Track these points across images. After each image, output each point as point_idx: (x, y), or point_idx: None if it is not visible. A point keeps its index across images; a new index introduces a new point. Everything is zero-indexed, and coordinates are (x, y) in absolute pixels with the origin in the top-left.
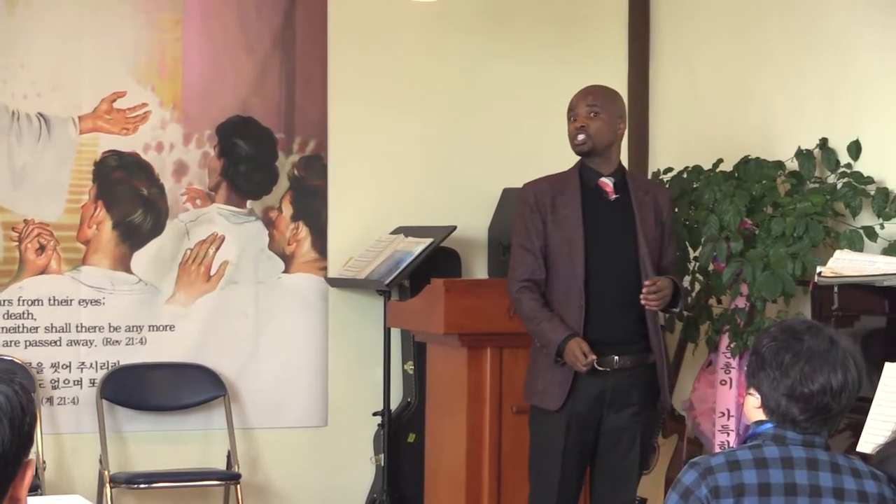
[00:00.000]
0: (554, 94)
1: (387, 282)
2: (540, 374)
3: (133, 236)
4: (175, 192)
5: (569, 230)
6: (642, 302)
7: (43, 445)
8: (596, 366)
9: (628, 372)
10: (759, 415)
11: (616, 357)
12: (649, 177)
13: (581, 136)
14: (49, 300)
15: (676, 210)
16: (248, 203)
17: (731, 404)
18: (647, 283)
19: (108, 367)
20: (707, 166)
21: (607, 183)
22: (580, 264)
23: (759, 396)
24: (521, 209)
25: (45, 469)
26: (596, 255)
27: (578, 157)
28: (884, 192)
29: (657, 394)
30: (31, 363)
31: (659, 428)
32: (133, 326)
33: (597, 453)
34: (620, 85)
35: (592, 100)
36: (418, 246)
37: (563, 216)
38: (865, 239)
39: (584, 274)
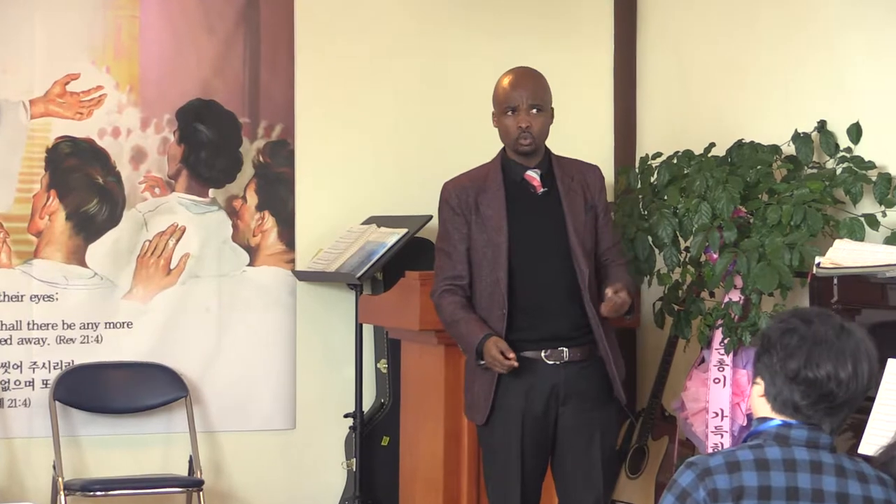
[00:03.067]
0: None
1: (358, 275)
2: (469, 385)
3: (88, 228)
4: (132, 181)
5: (491, 232)
6: (602, 310)
7: None
8: (545, 360)
9: (579, 365)
10: (764, 405)
11: (565, 349)
12: (637, 163)
13: (527, 139)
14: None
15: (665, 198)
16: (211, 192)
17: (724, 404)
18: (608, 291)
19: (61, 367)
20: (698, 151)
21: (534, 177)
22: (503, 269)
23: (763, 383)
24: (441, 212)
25: None
26: (524, 255)
27: (502, 148)
28: (886, 177)
29: (612, 388)
30: None
31: (618, 426)
32: (88, 324)
33: (555, 452)
34: (605, 64)
35: (534, 96)
36: (392, 237)
37: (486, 216)
38: (867, 227)
39: (506, 279)
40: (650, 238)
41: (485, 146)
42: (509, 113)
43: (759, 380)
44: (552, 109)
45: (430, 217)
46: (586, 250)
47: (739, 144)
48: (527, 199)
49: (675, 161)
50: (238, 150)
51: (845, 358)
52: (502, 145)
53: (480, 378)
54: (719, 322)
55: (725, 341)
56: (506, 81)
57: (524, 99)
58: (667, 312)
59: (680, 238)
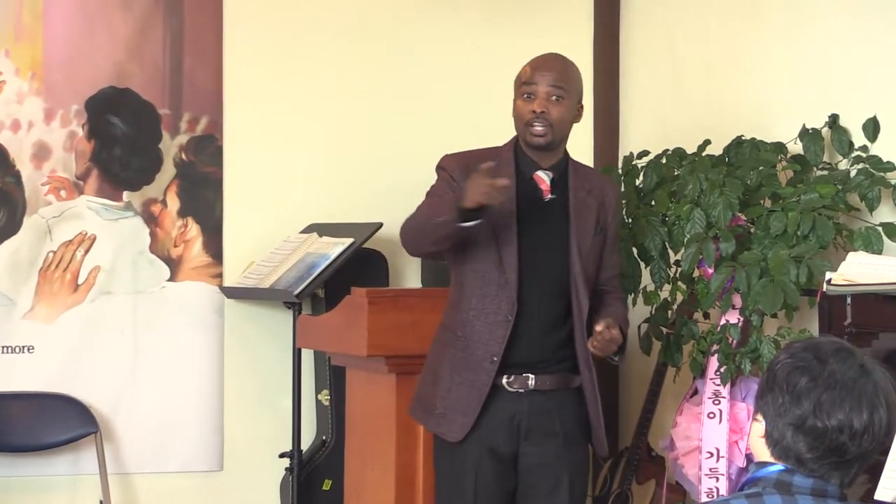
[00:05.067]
0: (501, 66)
1: (296, 292)
2: (440, 388)
3: None
4: (34, 182)
5: (499, 227)
6: (589, 347)
7: None
8: (507, 386)
9: (546, 395)
10: (763, 448)
11: (531, 376)
12: (620, 163)
13: (540, 127)
14: None
15: (653, 204)
16: (125, 195)
17: (720, 442)
18: (598, 326)
19: None
20: (691, 149)
21: (543, 179)
22: (514, 270)
23: (764, 423)
24: (439, 177)
25: None
26: (526, 263)
27: (515, 134)
28: None
29: (589, 425)
30: None
31: (587, 470)
32: None
33: (516, 495)
34: (584, 51)
35: (557, 79)
36: (336, 247)
37: (492, 207)
38: (885, 238)
39: (516, 283)
40: (635, 250)
41: (445, 146)
42: (525, 96)
43: (760, 417)
44: (581, 107)
45: (380, 225)
46: (587, 275)
47: (738, 142)
48: (533, 203)
49: (663, 161)
50: (157, 147)
51: (861, 404)
52: (470, 146)
53: (459, 386)
54: (715, 348)
55: (722, 370)
56: (531, 61)
57: (545, 81)
58: (654, 336)
59: (669, 250)
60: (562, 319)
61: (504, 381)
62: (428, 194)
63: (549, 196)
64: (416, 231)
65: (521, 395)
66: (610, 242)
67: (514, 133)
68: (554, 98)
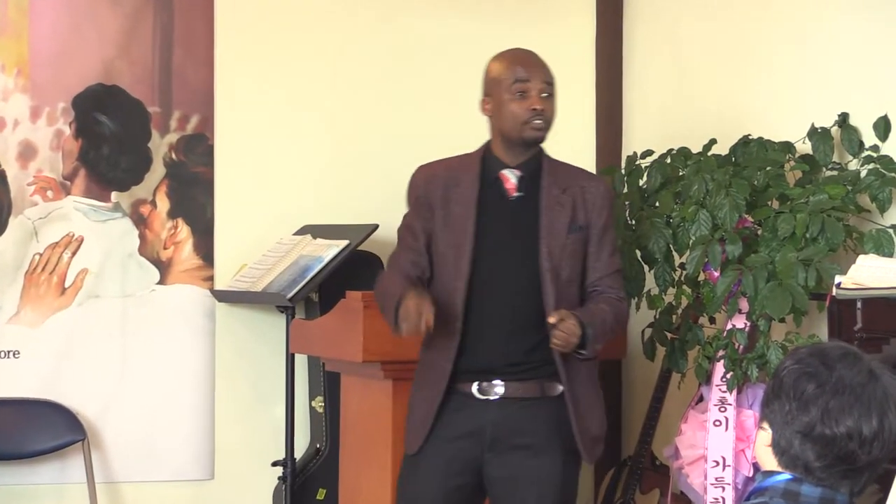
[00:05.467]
0: None
1: (289, 295)
2: (411, 407)
3: None
4: (20, 182)
5: (457, 233)
6: (551, 344)
7: None
8: (476, 394)
9: (520, 404)
10: (770, 457)
11: (501, 384)
12: (623, 163)
13: (540, 122)
14: None
15: (657, 205)
16: (113, 195)
17: (726, 451)
18: (550, 319)
19: None
20: (696, 149)
21: (508, 177)
22: (463, 277)
23: (770, 431)
24: (407, 197)
25: None
26: (486, 267)
27: (488, 141)
28: None
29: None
30: None
31: (572, 481)
32: None
33: None
34: (586, 47)
35: (548, 75)
36: (330, 250)
37: (455, 214)
38: None
39: (465, 290)
40: (638, 252)
41: (443, 145)
42: (518, 95)
43: (766, 425)
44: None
45: (376, 227)
46: (561, 277)
47: (745, 141)
48: (499, 202)
49: (668, 161)
50: (146, 146)
51: (870, 410)
52: (469, 144)
53: (421, 400)
54: (720, 353)
55: (728, 376)
56: (511, 58)
57: (538, 78)
58: (658, 341)
59: (674, 253)
60: (532, 322)
61: (474, 388)
62: (402, 225)
63: (516, 194)
64: (379, 306)
65: (490, 404)
66: (596, 240)
67: (485, 136)
68: (545, 95)
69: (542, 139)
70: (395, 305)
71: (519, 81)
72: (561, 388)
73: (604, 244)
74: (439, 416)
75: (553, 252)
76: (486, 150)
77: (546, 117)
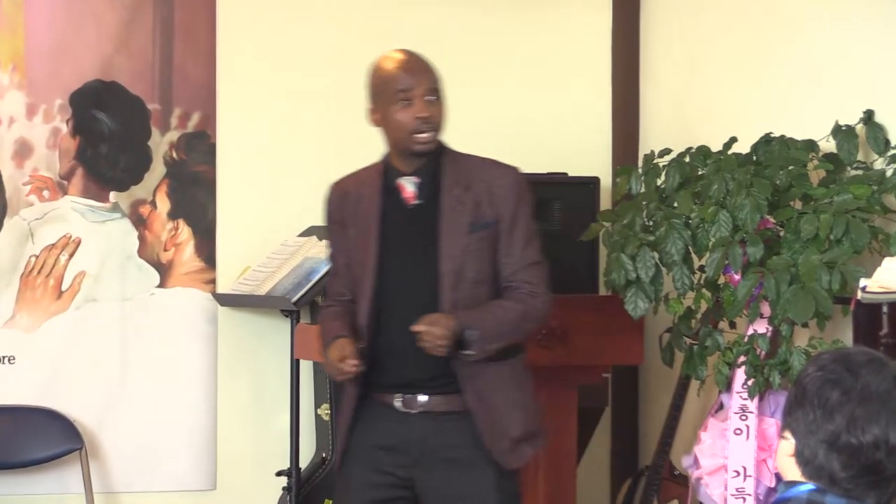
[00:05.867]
0: (514, 62)
1: (294, 299)
2: (340, 402)
3: None
4: (15, 181)
5: (363, 251)
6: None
7: None
8: (400, 406)
9: (443, 417)
10: (793, 467)
11: (423, 397)
12: (640, 162)
13: (428, 133)
14: None
15: (675, 206)
16: (112, 195)
17: (748, 461)
18: (415, 327)
19: None
20: (716, 147)
21: (405, 185)
22: (366, 295)
23: (793, 441)
24: (324, 218)
25: None
26: (390, 280)
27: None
28: None
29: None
30: None
31: (501, 497)
32: None
33: None
34: (602, 43)
35: (432, 78)
36: None
37: (361, 231)
38: None
39: (368, 307)
40: (656, 255)
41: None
42: (401, 102)
43: (788, 435)
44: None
45: None
46: (467, 278)
47: (767, 140)
48: (401, 212)
49: (687, 160)
50: (146, 144)
51: None
52: (482, 136)
53: (341, 417)
54: (741, 359)
55: (749, 383)
56: (392, 64)
57: (422, 83)
58: (676, 347)
59: (693, 255)
60: None
61: (396, 402)
62: (328, 256)
63: (415, 202)
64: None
65: (413, 417)
66: (506, 234)
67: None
68: (432, 98)
69: (431, 150)
70: (325, 357)
71: (402, 91)
72: (468, 402)
73: (515, 237)
74: (356, 427)
75: (453, 254)
76: (386, 159)
77: (434, 124)
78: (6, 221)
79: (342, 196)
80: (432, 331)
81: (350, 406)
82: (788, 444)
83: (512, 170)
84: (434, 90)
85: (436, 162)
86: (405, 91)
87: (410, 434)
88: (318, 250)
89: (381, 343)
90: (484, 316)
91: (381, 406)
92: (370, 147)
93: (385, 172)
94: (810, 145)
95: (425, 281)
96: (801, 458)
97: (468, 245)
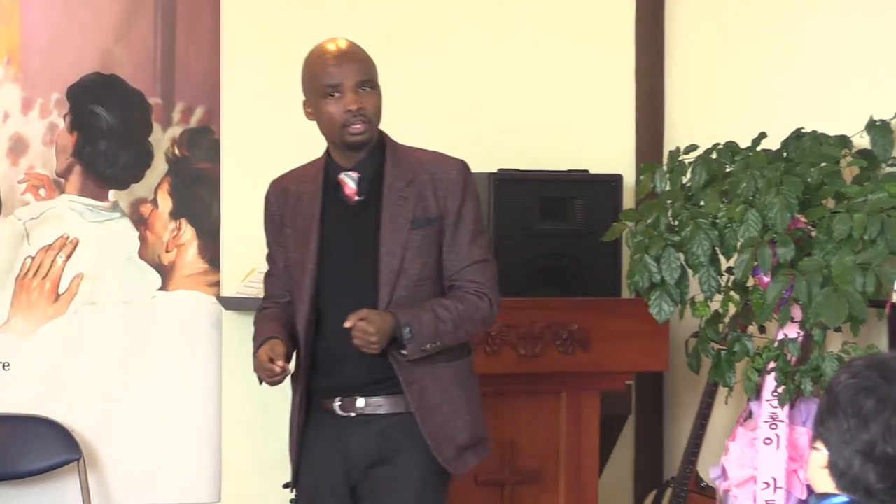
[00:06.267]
0: (533, 43)
1: None
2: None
3: None
4: (10, 179)
5: (302, 251)
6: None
7: None
8: (339, 411)
9: (382, 420)
10: (826, 479)
11: (361, 399)
12: (665, 158)
13: (360, 125)
14: None
15: (702, 205)
16: (111, 194)
17: (778, 472)
18: (346, 323)
19: None
20: (745, 143)
21: (346, 181)
22: (306, 297)
23: (826, 452)
24: (264, 216)
25: None
26: (330, 281)
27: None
28: None
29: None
30: None
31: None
32: None
33: None
34: (625, 31)
35: (363, 70)
36: None
37: (300, 229)
38: None
39: (307, 310)
40: (682, 256)
41: (469, 135)
42: (332, 95)
43: (820, 445)
44: (380, 89)
45: None
46: (409, 276)
47: (798, 135)
48: (341, 209)
49: (714, 156)
50: (147, 140)
51: None
52: (498, 135)
53: (291, 427)
54: (771, 365)
55: (779, 390)
56: (321, 57)
57: (351, 74)
58: (703, 353)
59: (721, 256)
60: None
61: (336, 405)
62: (266, 256)
63: (357, 198)
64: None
65: (352, 421)
66: (451, 230)
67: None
68: (364, 89)
69: (365, 142)
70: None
71: (330, 85)
72: (409, 404)
73: (459, 233)
74: (305, 439)
75: (393, 251)
76: (327, 154)
77: (367, 115)
78: (0, 221)
79: (282, 194)
80: (363, 326)
81: (295, 415)
82: (820, 455)
83: (458, 163)
84: (365, 81)
85: (378, 156)
86: (333, 85)
87: (351, 439)
88: None
89: (321, 346)
90: (421, 314)
91: (324, 412)
92: None
93: (326, 168)
94: (843, 141)
95: (365, 279)
96: (835, 469)
97: (409, 241)
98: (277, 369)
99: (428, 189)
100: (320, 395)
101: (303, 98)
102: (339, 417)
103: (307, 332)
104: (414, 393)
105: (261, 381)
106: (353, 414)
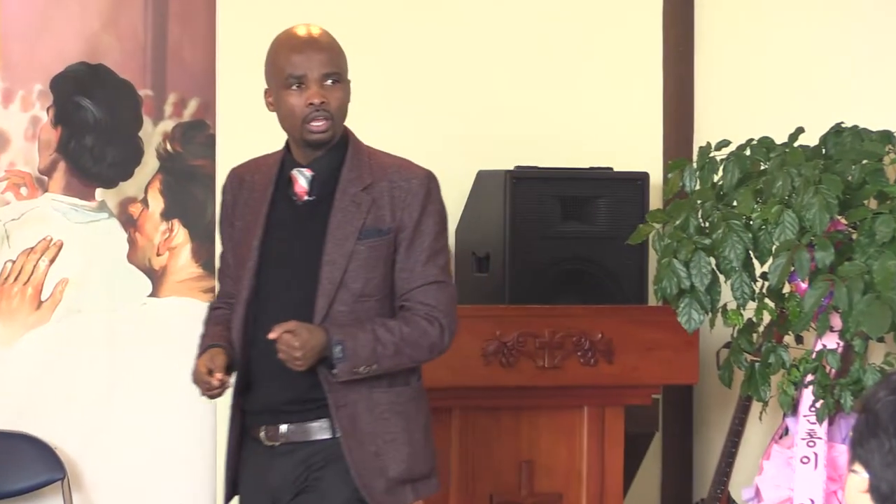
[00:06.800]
0: (554, 35)
1: None
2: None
3: None
4: None
5: (244, 249)
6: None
7: None
8: (264, 440)
9: (309, 447)
10: (867, 503)
11: (285, 426)
12: (695, 155)
13: (322, 121)
14: None
15: (734, 205)
16: (98, 192)
17: (816, 492)
18: (270, 334)
19: None
20: (781, 139)
21: (298, 178)
22: (243, 301)
23: (866, 475)
24: (220, 207)
25: None
26: (268, 286)
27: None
28: None
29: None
30: None
31: None
32: None
33: None
34: (653, 21)
35: (329, 62)
36: None
37: (246, 224)
38: None
39: (242, 317)
40: (713, 261)
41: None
42: (294, 87)
43: (858, 468)
44: (349, 84)
45: None
46: (352, 290)
47: (837, 130)
48: (290, 208)
49: (747, 153)
50: (137, 135)
51: None
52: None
53: (227, 454)
54: (809, 378)
55: (818, 405)
56: (287, 44)
57: (317, 65)
58: (736, 364)
59: (755, 261)
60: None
61: (262, 433)
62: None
63: (307, 198)
64: None
65: (277, 451)
66: (405, 246)
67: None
68: (330, 82)
69: (326, 140)
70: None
71: (293, 76)
72: (336, 426)
73: (415, 249)
74: (238, 470)
75: (336, 261)
76: (287, 146)
77: (330, 110)
78: None
79: (237, 184)
80: (287, 339)
81: (230, 440)
82: (859, 478)
83: (423, 172)
84: (332, 74)
85: (337, 155)
86: (297, 76)
87: (274, 471)
88: None
89: (253, 355)
90: (357, 333)
91: (254, 443)
92: (389, 139)
93: (282, 162)
94: (886, 137)
95: (302, 287)
96: (878, 493)
97: (355, 252)
98: (215, 383)
99: (385, 197)
100: (250, 417)
101: (265, 86)
102: (265, 447)
103: (241, 339)
104: (343, 418)
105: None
106: (277, 443)
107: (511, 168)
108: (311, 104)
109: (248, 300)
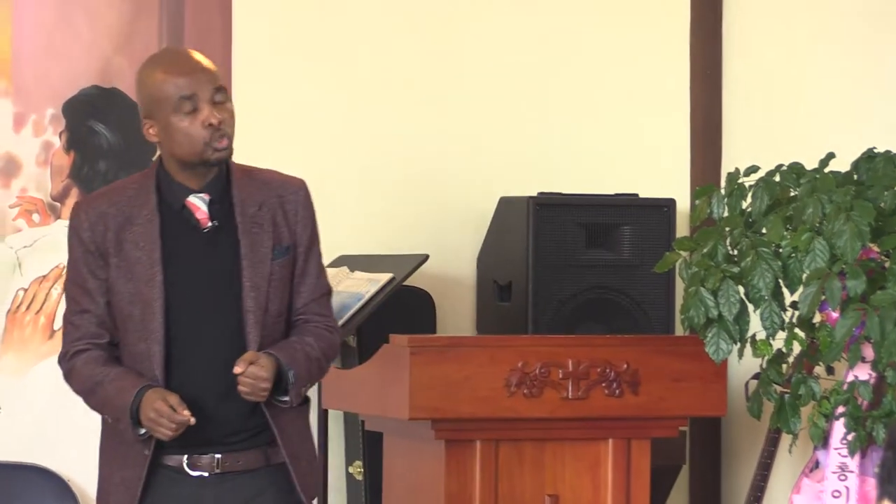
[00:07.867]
0: (582, 66)
1: None
2: (105, 471)
3: None
4: (1, 204)
5: (140, 282)
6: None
7: None
8: (188, 470)
9: (242, 477)
10: None
11: (217, 456)
12: (723, 181)
13: (224, 141)
14: None
15: (763, 232)
16: None
17: None
18: (236, 369)
19: None
20: (811, 164)
21: (198, 205)
22: (157, 338)
23: None
24: (70, 244)
25: None
26: (183, 320)
27: (159, 158)
28: None
29: None
30: None
31: None
32: None
33: None
34: (680, 44)
35: (215, 76)
36: (371, 285)
37: (133, 259)
38: None
39: (162, 352)
40: (741, 289)
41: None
42: (187, 109)
43: (887, 502)
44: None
45: (426, 257)
46: (270, 313)
47: (870, 155)
48: (189, 236)
49: (777, 179)
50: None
51: None
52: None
53: (119, 482)
54: (840, 410)
55: (849, 438)
56: (167, 68)
57: (206, 83)
58: (765, 396)
59: (784, 289)
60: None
61: (184, 463)
62: (69, 281)
63: (210, 224)
64: (82, 395)
65: (207, 481)
66: (303, 259)
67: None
68: (220, 98)
69: (229, 156)
70: (132, 409)
71: (184, 97)
72: (282, 456)
73: (311, 263)
74: (145, 499)
75: (258, 285)
76: (160, 173)
77: (226, 130)
78: None
79: (96, 219)
80: (255, 372)
81: (141, 471)
82: None
83: (301, 182)
84: (220, 88)
85: (222, 175)
86: (188, 96)
87: (205, 499)
88: (350, 283)
89: (173, 390)
90: (295, 355)
91: (166, 469)
92: (408, 163)
93: (159, 189)
94: None
95: (225, 317)
96: None
97: (272, 274)
98: (190, 419)
99: (279, 214)
100: (168, 451)
101: (143, 119)
102: (188, 476)
103: (165, 377)
104: (286, 444)
105: (147, 439)
106: (206, 474)
107: (534, 194)
108: (210, 125)
109: (164, 337)
